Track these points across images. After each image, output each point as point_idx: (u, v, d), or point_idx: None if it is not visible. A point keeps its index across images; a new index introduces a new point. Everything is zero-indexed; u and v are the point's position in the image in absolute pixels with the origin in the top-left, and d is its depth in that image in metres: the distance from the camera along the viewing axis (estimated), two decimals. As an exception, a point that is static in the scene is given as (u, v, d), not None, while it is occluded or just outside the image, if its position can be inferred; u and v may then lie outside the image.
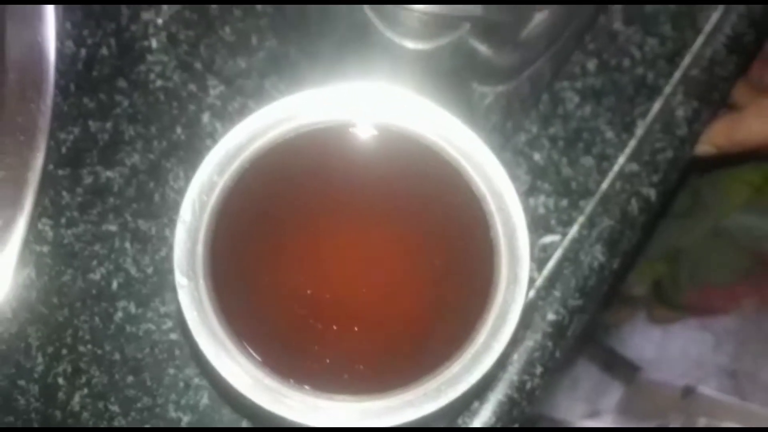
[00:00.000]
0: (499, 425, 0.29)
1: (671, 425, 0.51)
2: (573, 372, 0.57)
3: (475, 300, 0.21)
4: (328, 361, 0.22)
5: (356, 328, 0.22)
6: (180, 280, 0.21)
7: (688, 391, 0.52)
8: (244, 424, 0.28)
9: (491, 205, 0.22)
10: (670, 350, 0.57)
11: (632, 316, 0.58)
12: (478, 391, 0.28)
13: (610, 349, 0.59)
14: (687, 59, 0.33)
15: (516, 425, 0.29)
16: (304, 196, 0.23)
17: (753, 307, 0.52)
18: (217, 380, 0.21)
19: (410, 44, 0.23)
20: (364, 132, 0.23)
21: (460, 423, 0.28)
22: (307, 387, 0.21)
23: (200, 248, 0.21)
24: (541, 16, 0.22)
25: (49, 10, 0.28)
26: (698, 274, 0.51)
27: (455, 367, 0.21)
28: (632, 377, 0.57)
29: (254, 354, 0.21)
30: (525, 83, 0.28)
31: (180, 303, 0.21)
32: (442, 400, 0.21)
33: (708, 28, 0.33)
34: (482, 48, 0.24)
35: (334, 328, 0.22)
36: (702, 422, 0.50)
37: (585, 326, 0.31)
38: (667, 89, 0.32)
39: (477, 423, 0.28)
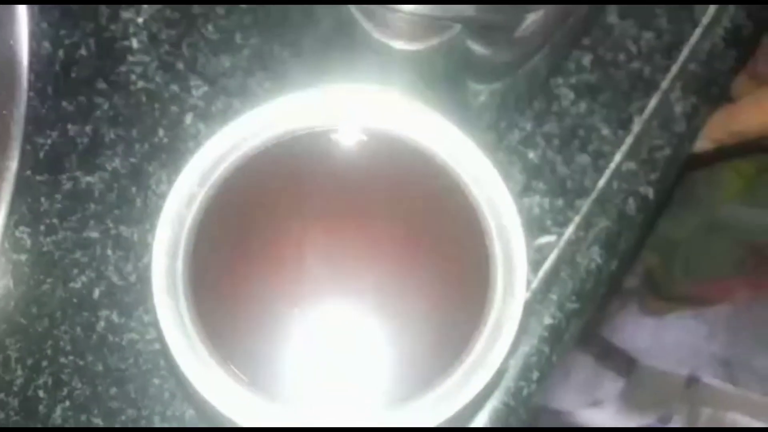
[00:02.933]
0: (495, 436, 0.28)
1: (675, 416, 0.51)
2: (565, 366, 0.57)
3: (471, 312, 0.21)
4: (317, 379, 0.21)
5: (347, 346, 0.21)
6: (159, 297, 0.20)
7: (692, 381, 0.52)
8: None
9: (485, 212, 0.21)
10: (664, 340, 0.56)
11: (624, 308, 0.57)
12: (475, 406, 0.28)
13: (602, 339, 0.59)
14: (684, 53, 0.32)
15: (512, 434, 0.28)
16: (290, 206, 0.22)
17: (747, 298, 0.52)
18: (200, 401, 0.20)
19: (399, 45, 0.22)
20: (353, 137, 0.22)
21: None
22: (297, 407, 0.20)
23: (180, 264, 0.20)
24: (534, 15, 0.21)
25: (22, 11, 0.27)
26: (692, 266, 0.51)
27: (450, 381, 0.20)
28: (628, 368, 0.57)
29: (238, 372, 0.20)
30: (520, 80, 0.27)
31: (159, 322, 0.20)
32: (438, 417, 0.20)
33: (706, 20, 0.32)
34: (475, 47, 0.23)
35: (324, 345, 0.21)
36: (706, 413, 0.49)
37: (582, 330, 0.30)
38: (665, 84, 0.32)
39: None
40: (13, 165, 0.25)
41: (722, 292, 0.52)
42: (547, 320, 0.29)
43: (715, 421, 0.48)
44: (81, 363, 0.28)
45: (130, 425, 0.28)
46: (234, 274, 0.21)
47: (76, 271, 0.29)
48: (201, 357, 0.20)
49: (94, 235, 0.29)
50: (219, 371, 0.20)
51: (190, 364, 0.20)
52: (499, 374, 0.26)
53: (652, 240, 0.50)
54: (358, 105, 0.22)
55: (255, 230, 0.21)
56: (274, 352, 0.21)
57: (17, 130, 0.25)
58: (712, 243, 0.49)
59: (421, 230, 0.22)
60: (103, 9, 0.31)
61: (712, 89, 0.32)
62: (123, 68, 0.31)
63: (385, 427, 0.20)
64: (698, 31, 0.32)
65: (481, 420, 0.28)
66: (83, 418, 0.28)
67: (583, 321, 0.30)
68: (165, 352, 0.23)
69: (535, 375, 0.29)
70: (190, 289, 0.20)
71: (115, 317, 0.29)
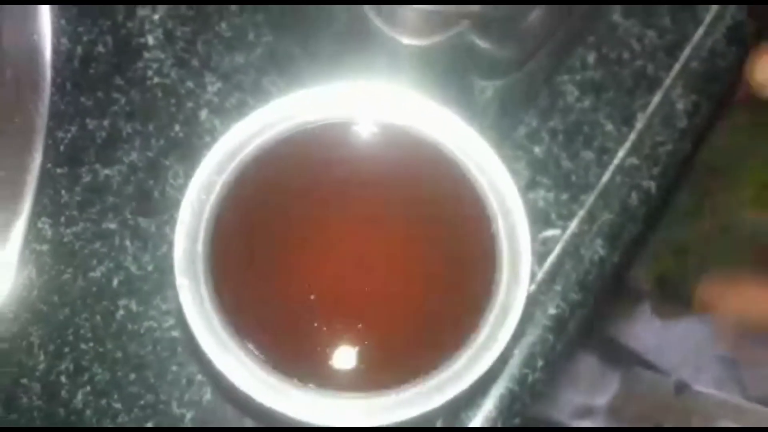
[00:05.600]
0: (500, 419, 0.29)
1: (665, 426, 0.51)
2: (574, 369, 0.57)
3: (477, 297, 0.22)
4: (331, 359, 0.22)
5: (359, 327, 0.22)
6: (180, 280, 0.21)
7: (681, 388, 0.52)
8: (248, 421, 0.28)
9: (492, 201, 0.22)
10: (670, 339, 0.57)
11: (634, 310, 0.58)
12: (481, 387, 0.28)
13: (609, 338, 0.59)
14: (687, 51, 0.33)
15: (517, 420, 0.29)
16: (304, 195, 0.23)
17: (758, 300, 0.52)
18: (220, 380, 0.21)
19: (408, 40, 0.23)
20: (364, 130, 0.23)
21: (463, 417, 0.28)
22: (311, 385, 0.21)
23: (200, 247, 0.21)
24: (538, 10, 0.22)
25: (44, 6, 0.28)
26: (707, 270, 0.51)
27: (457, 363, 0.21)
28: (630, 369, 0.57)
29: (257, 353, 0.21)
30: (524, 77, 0.28)
31: (181, 303, 0.21)
32: (445, 396, 0.21)
33: (708, 19, 0.33)
34: (481, 43, 0.23)
35: (338, 327, 0.22)
36: (697, 421, 0.50)
37: (586, 320, 0.31)
38: (667, 82, 0.32)
39: (479, 416, 0.29)
40: (38, 157, 0.26)
41: (736, 294, 0.52)
42: (552, 310, 0.30)
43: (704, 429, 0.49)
44: (101, 350, 0.29)
45: (148, 410, 0.29)
46: (251, 257, 0.22)
47: (95, 261, 0.30)
48: (219, 336, 0.21)
49: (113, 226, 0.30)
50: (237, 350, 0.21)
51: (209, 343, 0.21)
52: (503, 359, 0.27)
53: (664, 244, 0.50)
54: (369, 99, 0.23)
55: (271, 216, 0.22)
56: (290, 332, 0.22)
57: (41, 123, 0.26)
58: (728, 247, 0.50)
59: (429, 218, 0.23)
60: (120, 6, 0.32)
61: (713, 86, 0.33)
62: (139, 64, 0.31)
63: (386, 427, 0.21)
64: (701, 30, 0.33)
65: (487, 406, 0.29)
66: (103, 402, 0.29)
67: (586, 311, 0.31)
68: (185, 332, 0.24)
69: (540, 363, 0.29)
70: (209, 272, 0.21)
71: (133, 306, 0.29)
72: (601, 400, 0.55)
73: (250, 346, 0.21)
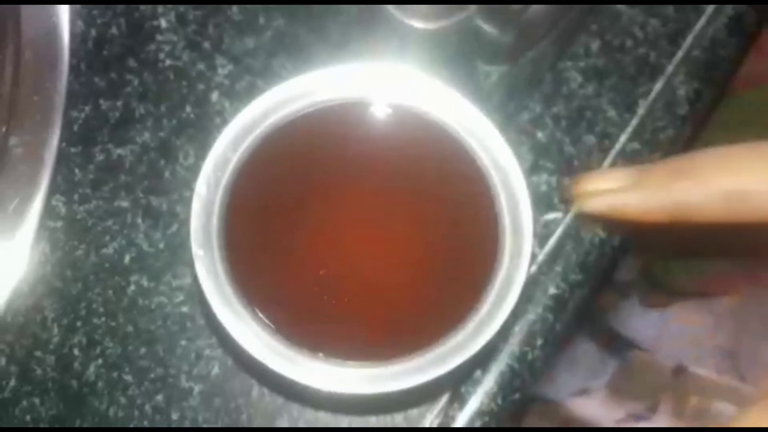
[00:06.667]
0: (500, 394, 0.29)
1: (662, 405, 0.52)
2: (573, 354, 0.58)
3: (480, 272, 0.22)
4: (339, 330, 0.22)
5: (367, 299, 0.23)
6: (196, 251, 0.22)
7: (680, 371, 0.53)
8: (255, 390, 0.29)
9: (495, 180, 0.23)
10: (668, 330, 0.57)
11: (623, 301, 0.58)
12: (481, 360, 0.29)
13: (609, 329, 0.60)
14: (689, 39, 0.33)
15: (517, 395, 0.30)
16: (315, 173, 0.23)
17: (749, 291, 0.53)
18: (232, 348, 0.21)
19: (417, 24, 0.24)
20: (374, 110, 0.24)
21: (463, 391, 0.29)
22: (319, 354, 0.22)
23: (215, 221, 0.22)
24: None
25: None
26: (691, 264, 0.52)
27: (459, 335, 0.22)
28: (627, 356, 0.58)
29: (268, 322, 0.22)
30: (529, 63, 0.28)
31: (196, 272, 0.22)
32: (447, 367, 0.22)
33: (710, 9, 0.34)
34: (487, 28, 0.24)
35: (346, 300, 0.23)
36: (694, 401, 0.50)
37: (585, 302, 0.31)
38: (669, 69, 0.33)
39: (480, 391, 0.29)
40: (56, 134, 0.27)
41: (725, 286, 0.53)
42: (552, 290, 0.31)
43: (701, 410, 0.49)
44: (113, 324, 0.30)
45: (158, 383, 0.30)
46: (264, 231, 0.23)
47: (107, 237, 0.31)
48: (233, 306, 0.22)
49: (125, 204, 0.31)
50: (249, 319, 0.22)
51: (223, 313, 0.21)
52: (504, 335, 0.28)
53: (648, 237, 0.51)
54: (380, 80, 0.23)
55: (284, 192, 0.23)
56: (300, 304, 0.22)
57: (59, 101, 0.27)
58: (713, 238, 0.50)
59: (435, 195, 0.23)
60: (134, -9, 0.32)
61: (714, 74, 0.33)
62: (152, 47, 0.32)
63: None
64: (703, 19, 0.34)
65: (488, 382, 0.29)
66: (115, 375, 0.30)
67: (585, 292, 0.31)
68: (200, 303, 0.25)
69: (539, 341, 0.30)
70: (223, 244, 0.22)
71: (144, 282, 0.30)
72: (599, 382, 0.55)
73: (262, 316, 0.22)
